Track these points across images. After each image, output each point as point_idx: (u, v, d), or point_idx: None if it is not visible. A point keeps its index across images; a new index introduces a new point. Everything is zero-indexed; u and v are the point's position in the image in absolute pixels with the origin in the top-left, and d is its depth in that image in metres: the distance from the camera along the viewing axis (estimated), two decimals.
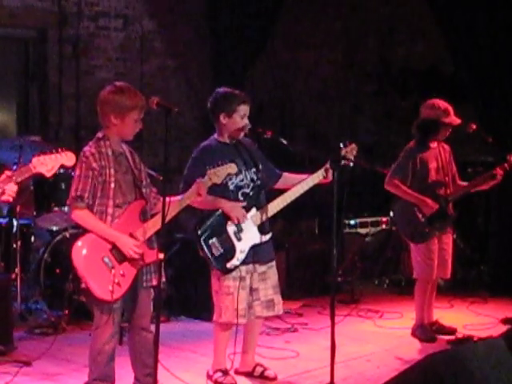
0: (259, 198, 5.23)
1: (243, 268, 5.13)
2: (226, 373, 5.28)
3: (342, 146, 5.18)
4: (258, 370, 5.44)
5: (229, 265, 5.08)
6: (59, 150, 4.34)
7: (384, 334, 6.64)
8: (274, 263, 5.34)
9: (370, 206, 9.02)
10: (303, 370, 5.62)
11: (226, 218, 5.09)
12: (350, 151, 5.18)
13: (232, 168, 4.83)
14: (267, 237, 5.22)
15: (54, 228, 7.08)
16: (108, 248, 4.50)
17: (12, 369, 5.44)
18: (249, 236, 5.14)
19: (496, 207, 8.56)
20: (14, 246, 6.84)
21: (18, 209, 6.81)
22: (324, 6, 10.53)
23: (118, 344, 4.95)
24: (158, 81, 9.25)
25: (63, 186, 6.83)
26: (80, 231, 4.64)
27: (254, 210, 5.17)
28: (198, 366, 5.63)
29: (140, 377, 4.75)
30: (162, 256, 4.42)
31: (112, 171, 4.58)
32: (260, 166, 5.28)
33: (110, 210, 4.56)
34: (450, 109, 6.30)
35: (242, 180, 5.19)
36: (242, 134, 5.23)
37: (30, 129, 8.61)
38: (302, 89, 10.49)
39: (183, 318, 7.06)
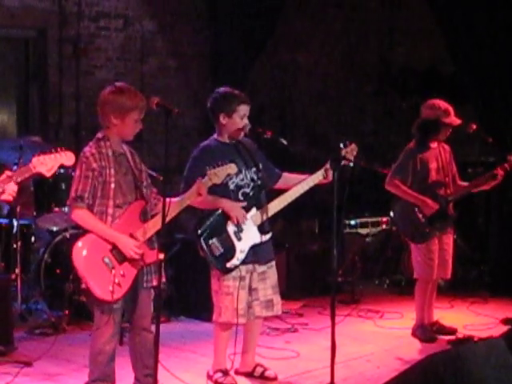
0: (259, 197, 5.23)
1: (243, 268, 5.13)
2: (226, 373, 5.28)
3: (341, 146, 5.17)
4: (259, 370, 5.44)
5: (229, 264, 5.08)
6: (59, 149, 4.34)
7: (384, 334, 6.64)
8: (273, 263, 5.34)
9: (370, 207, 9.02)
10: (303, 370, 5.62)
11: (226, 217, 5.09)
12: (350, 151, 5.18)
13: (232, 168, 4.84)
14: (267, 236, 5.22)
15: (54, 228, 7.08)
16: (108, 248, 4.50)
17: (12, 369, 5.44)
18: (249, 236, 5.14)
19: (496, 207, 8.56)
20: (14, 246, 6.84)
21: (18, 209, 6.80)
22: (324, 7, 10.53)
23: (119, 344, 4.95)
24: (158, 81, 9.25)
25: (63, 187, 6.83)
26: (80, 232, 4.64)
27: (254, 210, 5.17)
28: (198, 366, 5.63)
29: (140, 377, 4.75)
30: (162, 256, 4.42)
31: (112, 171, 4.58)
32: (260, 166, 5.28)
33: (110, 211, 4.56)
34: (451, 109, 6.30)
35: (243, 180, 5.19)
36: (242, 134, 5.23)
37: (30, 129, 8.61)
38: (302, 89, 10.49)
39: (183, 318, 7.05)
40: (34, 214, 6.97)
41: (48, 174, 4.31)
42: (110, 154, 4.61)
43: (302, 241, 8.42)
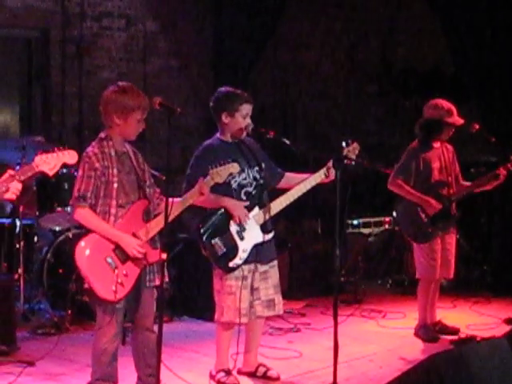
0: (262, 197, 5.24)
1: (245, 267, 5.13)
2: (228, 373, 5.28)
3: (344, 145, 5.17)
4: (261, 370, 5.43)
5: (231, 264, 5.08)
6: (61, 148, 4.34)
7: (387, 334, 6.63)
8: (275, 263, 5.34)
9: (373, 206, 9.02)
10: (306, 370, 5.61)
11: (228, 217, 5.09)
12: (352, 150, 5.18)
13: (234, 167, 4.83)
14: (270, 236, 5.23)
15: (57, 228, 7.09)
16: (111, 248, 4.51)
17: (15, 369, 5.44)
18: (251, 235, 5.14)
19: (499, 207, 8.56)
20: (17, 246, 6.84)
21: (20, 209, 6.81)
22: (325, 7, 10.53)
23: (121, 344, 4.96)
24: (160, 81, 9.25)
25: (66, 186, 6.83)
26: (83, 231, 4.64)
27: (256, 209, 5.17)
28: (200, 366, 5.63)
29: (143, 377, 4.75)
30: (164, 256, 4.42)
31: (115, 171, 4.58)
32: (263, 165, 5.28)
33: (112, 210, 4.56)
34: (454, 109, 6.29)
35: (245, 179, 5.20)
36: (245, 134, 5.23)
37: (33, 129, 8.62)
38: (304, 89, 10.49)
39: (186, 318, 7.06)
40: (37, 213, 6.98)
41: (51, 173, 4.31)
42: (113, 153, 4.61)
43: (304, 241, 8.42)
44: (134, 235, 4.54)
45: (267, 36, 9.42)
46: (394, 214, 6.63)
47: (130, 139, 4.72)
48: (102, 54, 8.91)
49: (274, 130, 5.29)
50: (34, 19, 8.52)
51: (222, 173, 4.77)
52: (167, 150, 4.61)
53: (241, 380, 5.33)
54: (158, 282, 4.62)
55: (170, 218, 4.44)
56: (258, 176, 5.25)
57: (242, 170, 5.14)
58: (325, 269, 7.84)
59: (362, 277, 8.24)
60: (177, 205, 4.59)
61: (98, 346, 4.61)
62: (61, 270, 6.83)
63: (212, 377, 5.32)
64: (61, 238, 6.92)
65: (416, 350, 6.17)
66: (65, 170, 6.75)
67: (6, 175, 4.21)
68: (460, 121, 6.30)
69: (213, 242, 5.06)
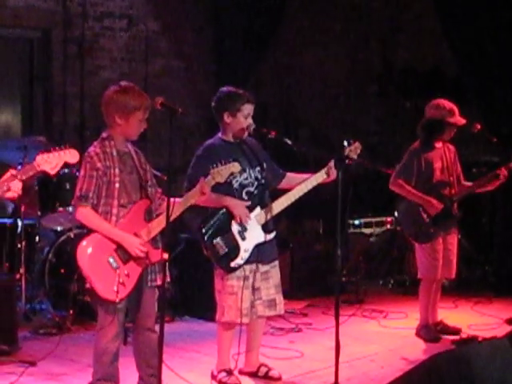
0: (263, 196, 5.24)
1: (247, 267, 5.13)
2: (230, 373, 5.28)
3: (346, 144, 5.17)
4: (263, 370, 5.43)
5: (233, 264, 5.08)
6: (63, 147, 4.34)
7: (388, 334, 6.63)
8: (276, 263, 5.34)
9: (374, 206, 9.02)
10: (308, 370, 5.61)
11: (230, 216, 5.09)
12: (353, 150, 5.18)
13: (235, 167, 4.83)
14: (271, 236, 5.23)
15: (59, 228, 7.09)
16: (113, 248, 4.51)
17: (17, 369, 5.44)
18: (253, 235, 5.14)
19: (501, 207, 8.56)
20: (19, 246, 6.85)
21: (22, 209, 6.81)
22: (326, 8, 10.52)
23: (123, 344, 4.97)
24: (162, 81, 9.25)
25: (68, 186, 6.83)
26: (85, 231, 4.65)
27: (258, 209, 5.17)
28: (202, 366, 5.63)
29: (144, 377, 4.75)
30: (166, 256, 4.42)
31: (117, 171, 4.58)
32: (264, 165, 5.28)
33: (114, 210, 4.57)
34: (455, 109, 6.29)
35: (247, 178, 5.20)
36: (246, 134, 5.23)
37: (35, 129, 8.62)
38: (305, 90, 10.49)
39: (187, 318, 7.06)
40: (39, 213, 6.97)
41: (52, 172, 4.31)
42: (115, 153, 4.61)
43: (306, 240, 8.42)
44: (136, 235, 4.54)
45: (268, 36, 9.41)
46: (396, 214, 6.62)
47: (131, 139, 4.72)
48: (103, 54, 8.92)
49: (275, 129, 5.29)
50: (35, 19, 8.52)
51: (223, 172, 4.77)
52: (169, 149, 4.59)
53: (242, 380, 5.33)
54: (159, 282, 4.62)
55: (172, 218, 4.44)
56: (259, 176, 5.25)
57: (244, 170, 5.14)
58: (326, 269, 7.85)
59: (363, 277, 8.25)
60: (178, 205, 4.59)
61: (100, 345, 4.61)
62: (62, 270, 6.82)
63: (213, 377, 5.32)
64: (62, 237, 6.93)
65: (417, 350, 6.17)
66: (66, 170, 6.75)
67: (7, 175, 4.21)
68: (462, 121, 6.30)
69: (214, 241, 5.06)
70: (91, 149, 4.62)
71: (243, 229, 5.11)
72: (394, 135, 10.56)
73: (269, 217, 5.19)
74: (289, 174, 5.44)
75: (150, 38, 9.18)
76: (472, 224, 8.37)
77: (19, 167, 4.45)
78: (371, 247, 8.78)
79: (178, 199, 4.62)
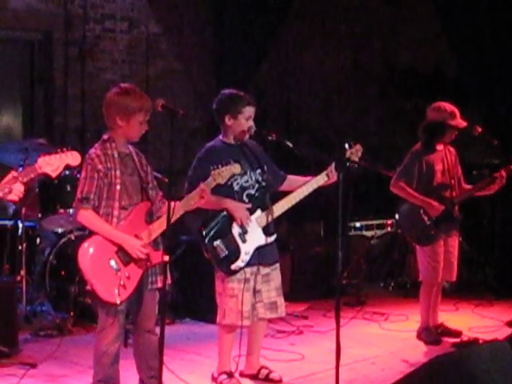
0: (264, 199, 5.23)
1: (248, 270, 5.13)
2: (230, 375, 5.28)
3: (347, 146, 5.17)
4: (263, 372, 5.43)
5: (233, 266, 5.08)
6: (64, 149, 4.34)
7: (389, 337, 6.63)
8: (277, 265, 5.34)
9: (375, 209, 9.02)
10: (308, 373, 5.61)
11: (230, 219, 5.09)
12: (355, 152, 5.17)
13: (236, 168, 4.83)
14: (272, 238, 5.22)
15: (60, 230, 7.09)
16: (114, 250, 4.51)
17: (18, 371, 5.44)
18: (254, 237, 5.14)
19: (501, 210, 8.55)
20: (20, 248, 6.84)
21: (23, 211, 6.81)
22: (328, 10, 10.52)
23: (123, 346, 4.96)
24: (163, 83, 9.25)
25: (68, 188, 6.83)
26: (85, 233, 4.65)
27: (258, 212, 5.17)
28: (202, 368, 5.63)
29: (145, 379, 4.75)
30: (167, 258, 4.42)
31: (118, 173, 4.58)
32: (265, 168, 5.28)
33: (115, 212, 4.57)
34: (457, 111, 6.29)
35: (247, 181, 5.20)
36: (247, 136, 5.24)
37: (36, 131, 8.62)
38: (306, 91, 10.50)
39: (188, 320, 7.06)
40: (39, 215, 6.97)
41: (53, 175, 4.31)
42: (116, 155, 4.61)
43: (306, 243, 8.42)
44: (137, 237, 4.54)
45: (269, 38, 9.42)
46: (397, 216, 6.62)
47: (132, 141, 4.72)
48: (104, 57, 8.92)
49: (276, 131, 5.29)
50: (36, 21, 8.52)
51: (223, 173, 4.76)
52: (170, 151, 4.59)
53: (243, 382, 5.34)
54: (159, 285, 4.62)
55: (172, 220, 4.44)
56: (260, 178, 5.25)
57: (245, 173, 5.14)
58: (327, 271, 7.84)
59: (364, 279, 8.25)
60: (178, 207, 4.58)
61: (100, 347, 4.61)
62: (63, 272, 6.83)
63: (214, 379, 5.32)
64: (63, 239, 6.93)
65: (418, 353, 6.16)
66: (67, 172, 6.75)
67: (8, 176, 4.21)
68: (463, 123, 6.30)
69: (215, 244, 5.06)
70: (92, 151, 4.63)
71: (244, 231, 5.11)
72: (394, 136, 10.57)
73: (269, 219, 5.19)
74: (290, 177, 5.44)
75: (151, 40, 9.18)
76: (473, 226, 8.37)
77: (20, 169, 4.46)
78: (372, 250, 8.78)
79: (178, 203, 4.62)
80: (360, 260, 8.39)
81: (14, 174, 4.22)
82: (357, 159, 5.17)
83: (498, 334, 6.19)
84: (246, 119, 5.17)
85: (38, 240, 7.17)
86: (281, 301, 5.33)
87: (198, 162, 5.17)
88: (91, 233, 4.55)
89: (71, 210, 6.59)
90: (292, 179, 5.42)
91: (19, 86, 8.72)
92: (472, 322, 7.02)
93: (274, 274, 5.30)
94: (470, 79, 8.55)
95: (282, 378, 5.42)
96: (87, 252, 4.47)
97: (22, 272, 6.75)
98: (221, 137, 5.27)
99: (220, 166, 4.78)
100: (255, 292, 5.21)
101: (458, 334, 6.51)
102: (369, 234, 8.85)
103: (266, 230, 5.19)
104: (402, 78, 10.79)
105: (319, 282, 7.96)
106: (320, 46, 10.57)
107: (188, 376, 5.30)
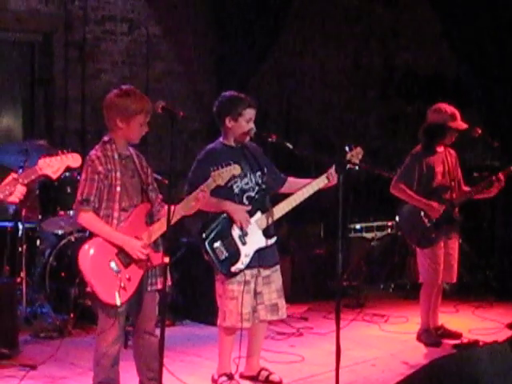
0: (264, 201, 5.23)
1: (248, 272, 5.13)
2: (230, 377, 5.28)
3: (347, 149, 5.17)
4: (263, 374, 5.43)
5: (233, 269, 5.08)
6: (65, 151, 4.34)
7: (389, 339, 6.63)
8: (278, 267, 5.34)
9: (375, 211, 9.01)
10: (308, 375, 5.61)
11: (230, 221, 5.09)
12: (355, 155, 5.18)
13: (236, 169, 4.82)
14: (272, 240, 5.22)
15: (60, 232, 7.09)
16: (114, 252, 4.51)
17: (18, 373, 5.44)
18: (254, 240, 5.13)
19: (502, 212, 8.55)
20: (20, 249, 6.84)
21: (23, 212, 6.81)
22: (328, 10, 10.52)
23: (123, 348, 4.96)
24: (163, 85, 9.25)
25: (69, 190, 6.83)
26: (86, 235, 4.65)
27: (259, 214, 5.17)
28: (202, 370, 5.63)
29: (145, 380, 4.75)
30: (167, 259, 4.41)
31: (118, 174, 4.58)
32: (265, 170, 5.28)
33: (115, 214, 4.56)
34: (457, 113, 6.29)
35: (247, 183, 5.20)
36: (248, 138, 5.24)
37: (36, 133, 8.62)
38: (306, 94, 10.49)
39: (188, 322, 7.06)
40: (40, 217, 6.97)
41: (54, 176, 4.31)
42: (116, 157, 4.61)
43: (307, 245, 8.42)
44: (137, 238, 4.54)
45: (270, 40, 9.42)
46: (397, 218, 6.62)
47: (133, 142, 4.72)
48: (104, 58, 8.92)
49: (276, 132, 5.29)
50: (37, 23, 8.53)
51: (223, 175, 4.76)
52: (170, 153, 4.59)
53: None
54: (159, 286, 4.62)
55: (172, 222, 4.44)
56: (260, 181, 5.25)
57: (245, 175, 5.14)
58: (327, 273, 7.84)
59: (364, 281, 8.24)
60: (178, 208, 4.58)
61: (100, 349, 4.61)
62: (63, 274, 6.83)
63: (214, 381, 5.32)
64: (63, 241, 6.93)
65: (418, 355, 6.16)
66: (68, 174, 6.75)
67: (9, 178, 4.21)
68: (463, 125, 6.30)
69: (215, 246, 5.06)
70: (92, 152, 4.63)
71: (244, 234, 5.11)
72: (394, 138, 10.56)
73: (270, 221, 5.19)
74: (290, 179, 5.44)
75: (151, 41, 9.18)
76: (473, 228, 8.37)
77: (20, 171, 4.45)
78: (372, 251, 8.78)
79: (178, 206, 4.61)
80: (360, 262, 8.38)
81: (14, 175, 4.22)
82: (357, 162, 5.17)
83: (498, 336, 6.18)
84: (246, 121, 5.17)
85: (38, 242, 7.16)
86: (282, 303, 5.33)
87: (198, 163, 5.17)
88: (91, 234, 4.55)
89: (71, 212, 6.60)
90: (292, 181, 5.42)
91: (19, 87, 8.73)
92: (472, 323, 7.02)
93: (275, 275, 5.30)
94: (471, 80, 8.56)
95: (281, 380, 5.42)
96: (87, 254, 4.47)
97: (22, 274, 6.75)
98: (221, 139, 5.27)
99: (220, 167, 4.78)
100: (256, 294, 5.21)
101: (458, 335, 6.51)
102: (369, 235, 8.85)
103: (267, 233, 5.19)
104: (402, 80, 10.79)
105: (319, 284, 7.95)
106: (320, 46, 10.57)
107: (188, 378, 5.30)
